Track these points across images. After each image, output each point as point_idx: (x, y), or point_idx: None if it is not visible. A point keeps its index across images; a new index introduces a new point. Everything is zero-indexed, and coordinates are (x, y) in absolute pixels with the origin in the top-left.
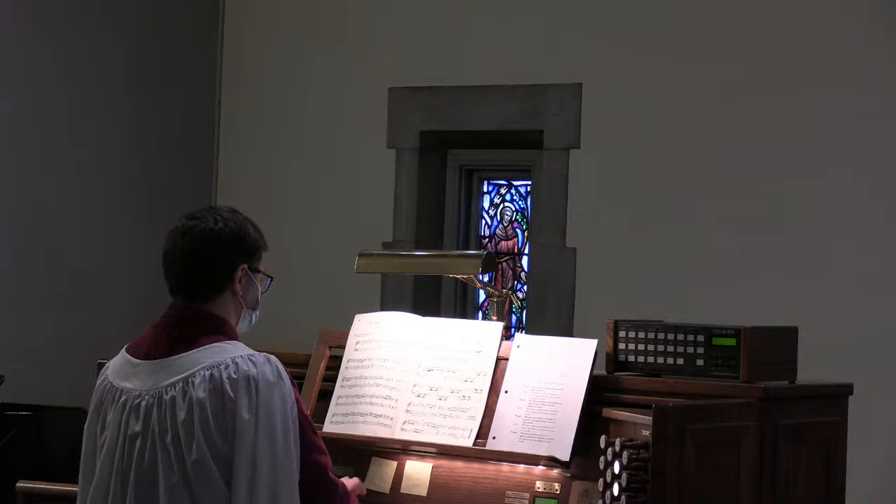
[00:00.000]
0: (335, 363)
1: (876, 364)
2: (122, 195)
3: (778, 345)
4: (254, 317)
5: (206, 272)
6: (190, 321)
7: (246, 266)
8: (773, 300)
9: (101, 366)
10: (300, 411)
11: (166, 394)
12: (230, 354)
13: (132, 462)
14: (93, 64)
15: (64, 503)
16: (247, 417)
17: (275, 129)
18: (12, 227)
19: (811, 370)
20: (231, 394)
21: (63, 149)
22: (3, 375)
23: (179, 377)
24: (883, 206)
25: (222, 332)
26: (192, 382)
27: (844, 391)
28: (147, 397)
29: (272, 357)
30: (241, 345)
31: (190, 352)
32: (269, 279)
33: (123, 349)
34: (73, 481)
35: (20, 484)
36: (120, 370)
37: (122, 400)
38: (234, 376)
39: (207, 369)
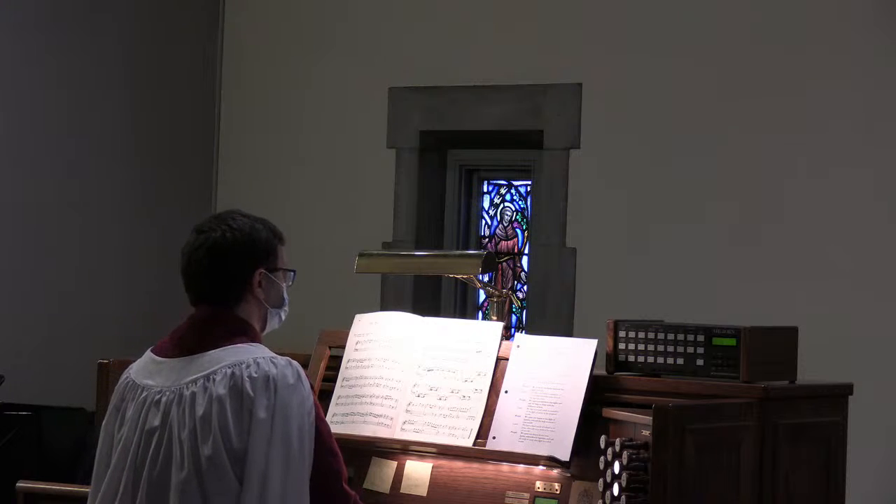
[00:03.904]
0: (335, 363)
1: (876, 364)
2: (122, 195)
3: (778, 345)
4: (282, 314)
5: (223, 284)
6: (214, 322)
7: (263, 270)
8: (773, 300)
9: (101, 365)
10: (318, 417)
11: (187, 390)
12: (252, 355)
13: (147, 457)
14: (93, 64)
15: (64, 503)
16: (263, 416)
17: (275, 129)
18: (12, 227)
19: (811, 370)
20: (250, 392)
21: (63, 149)
22: (3, 375)
23: (201, 374)
24: (883, 205)
25: (245, 333)
26: (214, 379)
27: (844, 391)
28: (168, 393)
29: (294, 361)
30: (263, 347)
31: (213, 350)
32: (292, 273)
33: (148, 350)
34: (73, 481)
35: (20, 484)
36: (143, 369)
37: (142, 396)
38: (255, 375)
39: (229, 367)
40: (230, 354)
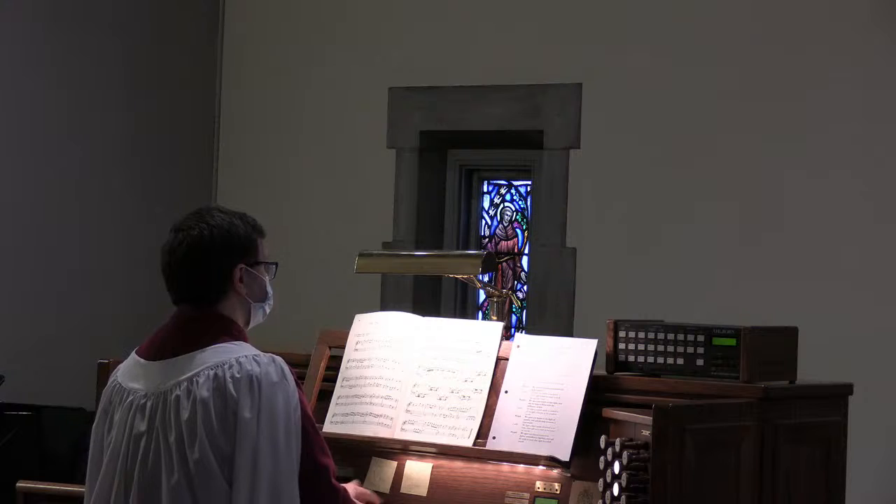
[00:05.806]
0: (335, 363)
1: (876, 364)
2: (122, 195)
3: (778, 345)
4: (266, 307)
5: (203, 282)
6: (196, 322)
7: (243, 265)
8: (773, 300)
9: (101, 365)
10: (304, 413)
11: (171, 393)
12: (234, 354)
13: (136, 462)
14: (93, 63)
15: (64, 503)
16: (248, 417)
17: (275, 130)
18: (12, 227)
19: (811, 370)
20: (234, 393)
21: (63, 148)
22: (3, 375)
23: (184, 377)
24: (882, 206)
25: (229, 332)
26: (197, 382)
27: (844, 391)
28: (152, 397)
29: (277, 358)
30: (246, 345)
31: (195, 352)
32: (274, 265)
33: (133, 351)
34: (73, 481)
35: (20, 484)
36: (129, 371)
37: (129, 400)
38: (238, 376)
39: (211, 369)
40: (213, 355)
